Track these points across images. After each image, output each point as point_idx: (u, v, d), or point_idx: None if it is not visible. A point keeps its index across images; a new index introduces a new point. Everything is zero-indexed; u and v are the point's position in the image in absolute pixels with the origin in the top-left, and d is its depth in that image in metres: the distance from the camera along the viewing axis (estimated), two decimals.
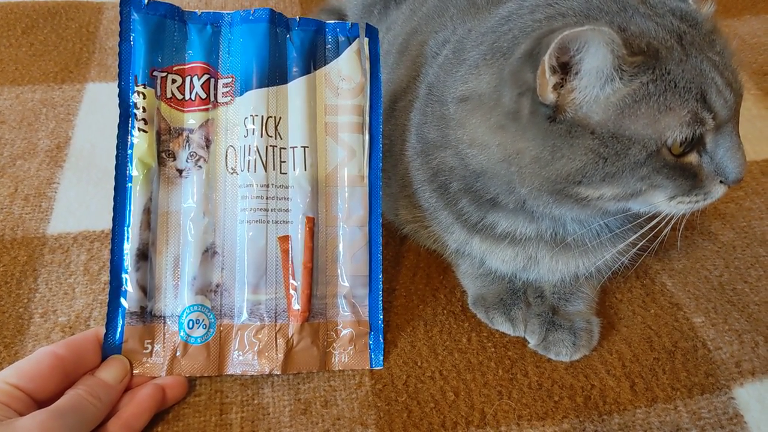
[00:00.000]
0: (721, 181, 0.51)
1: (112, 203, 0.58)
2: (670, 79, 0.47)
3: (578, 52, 0.46)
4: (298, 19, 0.61)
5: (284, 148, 0.60)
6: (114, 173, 0.58)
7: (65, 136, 0.84)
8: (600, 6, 0.50)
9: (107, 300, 0.56)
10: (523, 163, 0.51)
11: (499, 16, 0.56)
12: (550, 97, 0.48)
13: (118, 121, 0.58)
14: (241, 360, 0.58)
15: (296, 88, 0.60)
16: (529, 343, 0.62)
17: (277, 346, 0.58)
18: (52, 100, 0.90)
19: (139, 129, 0.58)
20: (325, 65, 0.61)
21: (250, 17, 0.60)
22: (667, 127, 0.47)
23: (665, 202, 0.52)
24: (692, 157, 0.50)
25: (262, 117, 0.59)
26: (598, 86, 0.47)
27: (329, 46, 0.62)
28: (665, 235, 0.55)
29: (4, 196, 0.76)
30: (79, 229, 0.73)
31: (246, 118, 0.59)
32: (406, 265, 0.69)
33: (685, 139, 0.48)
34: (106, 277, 0.68)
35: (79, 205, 0.76)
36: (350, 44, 0.62)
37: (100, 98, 0.90)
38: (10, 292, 0.66)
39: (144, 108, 0.58)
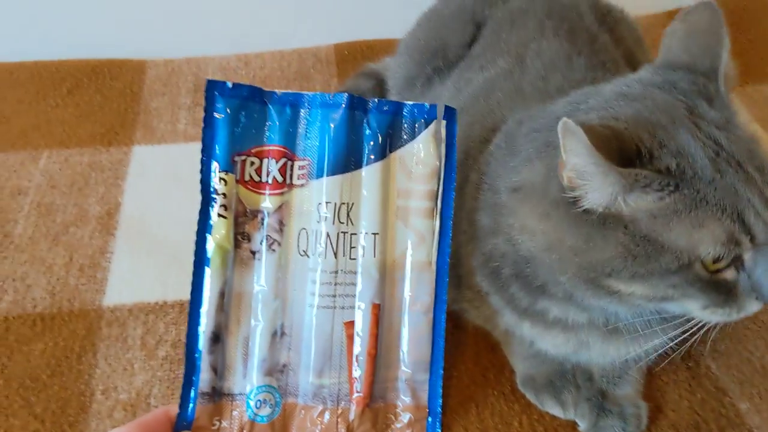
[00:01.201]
0: (756, 298, 0.51)
1: (190, 287, 0.58)
2: (700, 198, 0.47)
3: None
4: (376, 101, 0.61)
5: (355, 234, 0.60)
6: (192, 258, 0.58)
7: (115, 201, 0.87)
8: (649, 117, 0.51)
9: (182, 381, 0.57)
10: (562, 250, 0.53)
11: (554, 114, 0.58)
12: (564, 179, 0.50)
13: (199, 207, 0.59)
14: None
15: (371, 173, 0.60)
16: (579, 427, 0.63)
17: (338, 430, 0.59)
18: (100, 164, 0.92)
19: (219, 215, 0.58)
20: (400, 148, 0.61)
21: (329, 101, 0.60)
22: (700, 242, 0.48)
23: (698, 310, 0.52)
24: (728, 274, 0.50)
25: (335, 204, 0.59)
26: (599, 186, 0.48)
27: (406, 127, 0.61)
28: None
29: (60, 266, 0.78)
30: (134, 300, 0.75)
31: (320, 204, 0.59)
32: (455, 343, 0.71)
33: (719, 257, 0.48)
34: (163, 352, 0.70)
35: (133, 275, 0.78)
36: (427, 126, 0.61)
37: (147, 162, 0.93)
38: (71, 368, 0.68)
39: (225, 194, 0.58)
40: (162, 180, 0.90)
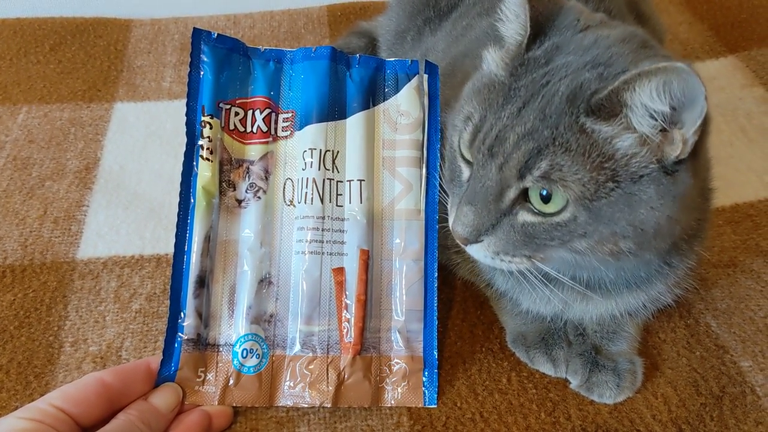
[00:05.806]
0: None
1: (175, 229, 0.58)
2: None
3: None
4: (358, 57, 0.62)
5: (341, 181, 0.60)
6: (178, 200, 0.59)
7: (94, 156, 0.84)
8: None
9: (157, 332, 0.57)
10: None
11: None
12: None
13: (184, 148, 0.59)
14: (293, 392, 0.57)
15: (355, 122, 0.61)
16: (570, 383, 0.60)
17: (328, 378, 0.57)
18: (80, 119, 0.89)
19: (204, 158, 0.58)
20: (384, 101, 0.62)
21: (312, 55, 0.62)
22: None
23: None
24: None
25: (320, 150, 0.60)
26: None
27: (389, 82, 0.63)
28: None
29: (33, 218, 0.75)
30: (109, 254, 0.72)
31: (304, 151, 0.60)
32: (442, 299, 0.68)
33: None
34: (137, 305, 0.67)
35: (109, 229, 0.75)
36: (409, 80, 0.62)
37: (128, 118, 0.90)
38: (40, 319, 0.65)
39: (210, 138, 0.59)
40: (144, 136, 0.87)
